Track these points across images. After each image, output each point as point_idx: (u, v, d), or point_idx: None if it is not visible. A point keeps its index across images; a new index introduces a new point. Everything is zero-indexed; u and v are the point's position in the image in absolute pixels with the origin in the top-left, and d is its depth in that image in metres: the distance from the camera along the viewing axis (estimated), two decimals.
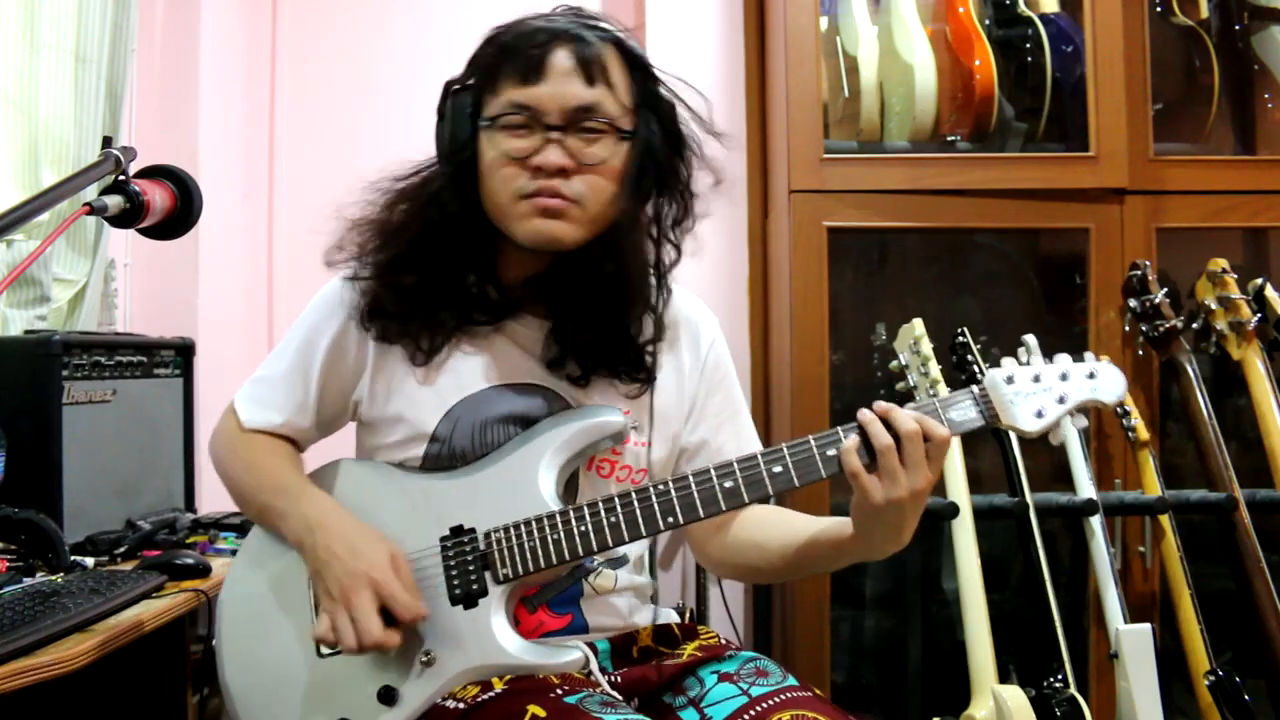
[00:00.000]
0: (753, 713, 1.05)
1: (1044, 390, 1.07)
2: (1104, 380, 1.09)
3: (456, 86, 1.15)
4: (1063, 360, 1.10)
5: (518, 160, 1.10)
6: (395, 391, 1.19)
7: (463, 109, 1.13)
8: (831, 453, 1.05)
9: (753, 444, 1.28)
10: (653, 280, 1.21)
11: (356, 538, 1.09)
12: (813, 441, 1.06)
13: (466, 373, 1.18)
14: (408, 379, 1.18)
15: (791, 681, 1.10)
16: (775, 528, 1.19)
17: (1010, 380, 1.08)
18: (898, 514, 1.03)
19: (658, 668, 1.16)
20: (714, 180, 1.21)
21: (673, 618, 1.25)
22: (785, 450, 1.06)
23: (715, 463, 1.10)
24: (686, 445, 1.25)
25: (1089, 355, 1.11)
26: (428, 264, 1.15)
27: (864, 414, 1.03)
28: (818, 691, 1.10)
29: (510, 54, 1.11)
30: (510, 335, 1.20)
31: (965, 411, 1.06)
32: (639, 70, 1.15)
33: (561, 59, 1.10)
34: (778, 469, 1.06)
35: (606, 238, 1.15)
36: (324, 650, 1.11)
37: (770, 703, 1.06)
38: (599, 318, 1.17)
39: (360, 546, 1.08)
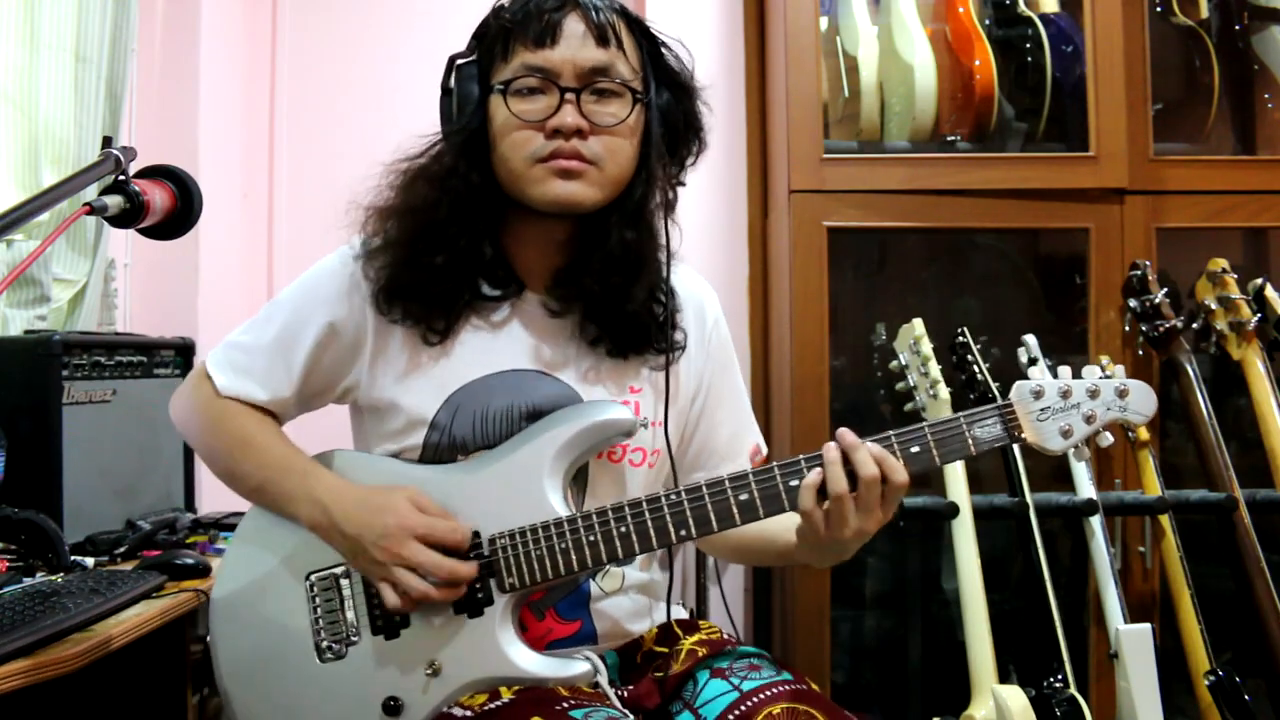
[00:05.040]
0: (744, 707, 1.04)
1: (1071, 407, 1.04)
2: (1135, 399, 1.05)
3: (461, 60, 1.14)
4: (1091, 375, 1.06)
5: (532, 124, 1.09)
6: (396, 377, 1.15)
7: (470, 79, 1.12)
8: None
9: (750, 427, 1.30)
10: (664, 246, 1.18)
11: (370, 499, 1.07)
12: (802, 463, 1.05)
13: (468, 358, 1.15)
14: (409, 364, 1.15)
15: (785, 676, 1.09)
16: None
17: (1038, 395, 1.04)
18: (839, 547, 1.05)
19: (661, 680, 1.14)
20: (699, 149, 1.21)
21: (678, 614, 1.23)
22: (802, 462, 1.04)
23: (713, 459, 1.16)
24: (687, 423, 1.25)
25: (1119, 370, 1.07)
26: (451, 240, 1.12)
27: (828, 452, 1.02)
28: (813, 686, 1.09)
29: (523, 20, 1.10)
30: (515, 319, 1.17)
31: (991, 429, 1.04)
32: (644, 36, 1.16)
33: (574, 23, 1.10)
34: (794, 483, 1.04)
35: (622, 201, 1.14)
36: (326, 656, 1.09)
37: (761, 696, 1.05)
38: (629, 287, 1.14)
39: (377, 505, 1.06)
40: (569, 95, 1.08)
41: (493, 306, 1.17)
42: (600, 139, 1.10)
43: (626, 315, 1.15)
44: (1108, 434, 1.06)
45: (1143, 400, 1.05)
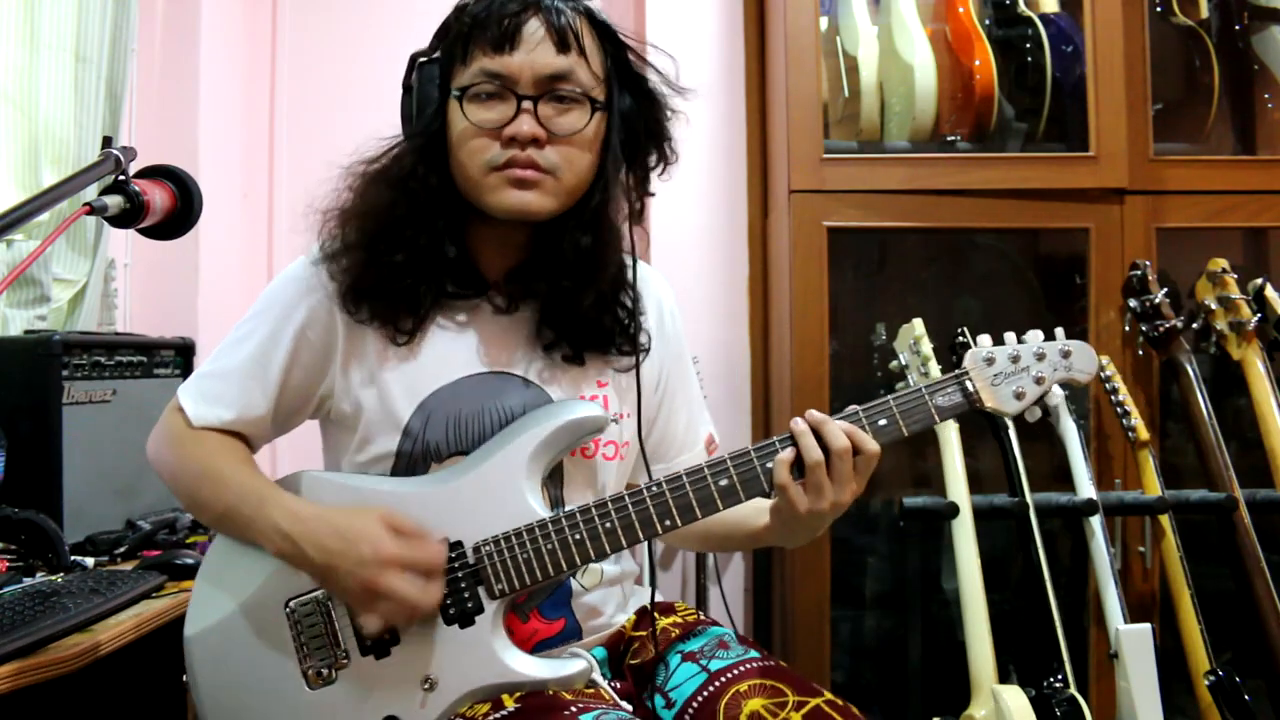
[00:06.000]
0: (712, 689, 1.06)
1: (1021, 371, 1.10)
2: (1078, 359, 1.11)
3: (423, 59, 1.13)
4: (1036, 339, 1.12)
5: (488, 131, 1.08)
6: (367, 379, 1.13)
7: (430, 81, 1.11)
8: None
9: (703, 415, 1.32)
10: (626, 249, 1.18)
11: (341, 524, 1.03)
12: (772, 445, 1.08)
13: (437, 360, 1.14)
14: (379, 365, 1.13)
15: (753, 655, 1.10)
16: None
17: (990, 361, 1.10)
18: (817, 521, 1.06)
19: (637, 668, 1.15)
20: (671, 156, 1.19)
21: (656, 597, 1.23)
22: (777, 443, 1.07)
23: (672, 449, 1.18)
24: (650, 414, 1.25)
25: (1059, 333, 1.13)
26: (410, 240, 1.11)
27: (796, 425, 1.05)
28: (781, 663, 1.10)
29: (482, 23, 1.08)
30: (479, 320, 1.16)
31: (952, 396, 1.09)
32: (610, 40, 1.13)
33: (534, 27, 1.07)
34: (770, 464, 1.06)
35: (579, 209, 1.13)
36: (315, 683, 1.06)
37: (728, 676, 1.06)
38: (580, 292, 1.13)
39: (349, 531, 1.02)
40: (526, 103, 1.07)
41: (458, 306, 1.16)
42: (557, 148, 1.08)
43: (578, 319, 1.15)
44: (1058, 388, 1.13)
45: (1085, 359, 1.11)
